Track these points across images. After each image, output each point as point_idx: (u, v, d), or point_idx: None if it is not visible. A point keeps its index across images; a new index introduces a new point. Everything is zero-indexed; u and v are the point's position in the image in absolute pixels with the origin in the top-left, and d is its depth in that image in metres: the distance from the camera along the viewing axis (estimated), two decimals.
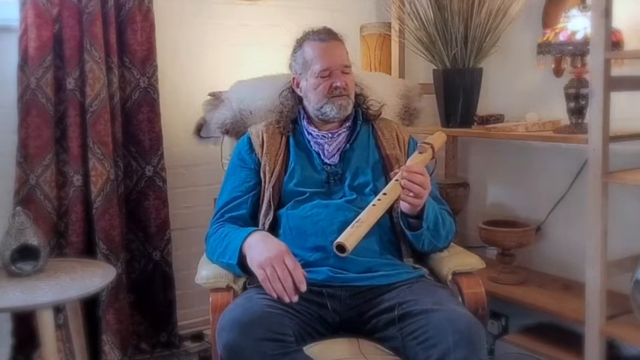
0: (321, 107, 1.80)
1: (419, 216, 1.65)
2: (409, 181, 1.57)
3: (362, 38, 2.83)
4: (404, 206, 1.65)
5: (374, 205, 1.58)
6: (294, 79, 1.89)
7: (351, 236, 1.50)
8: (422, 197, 1.60)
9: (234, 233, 1.69)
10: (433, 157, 1.73)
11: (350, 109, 1.83)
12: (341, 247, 1.49)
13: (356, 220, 1.54)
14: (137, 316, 2.49)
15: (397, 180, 1.60)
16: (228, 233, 1.71)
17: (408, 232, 1.69)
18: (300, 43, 1.86)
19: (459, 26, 2.34)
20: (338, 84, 1.78)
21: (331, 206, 1.71)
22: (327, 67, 1.79)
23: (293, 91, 1.90)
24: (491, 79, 2.53)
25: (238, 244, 1.63)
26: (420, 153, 1.71)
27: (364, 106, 1.92)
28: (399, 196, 1.61)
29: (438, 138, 1.79)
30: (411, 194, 1.59)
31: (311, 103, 1.83)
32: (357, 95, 1.90)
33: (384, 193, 1.60)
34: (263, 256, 1.56)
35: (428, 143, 1.73)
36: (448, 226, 1.76)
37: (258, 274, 1.55)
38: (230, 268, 1.67)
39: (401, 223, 1.70)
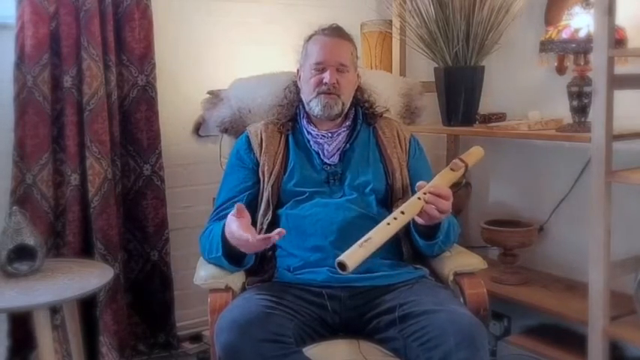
0: (310, 101, 1.79)
1: (434, 226, 1.62)
2: (433, 204, 1.51)
3: (362, 36, 2.81)
4: (418, 220, 1.59)
5: (389, 223, 1.47)
6: (298, 70, 1.89)
7: (355, 255, 1.38)
8: (439, 219, 1.57)
9: (217, 227, 1.66)
10: (463, 176, 1.67)
11: (337, 109, 1.77)
12: (342, 265, 1.38)
13: (366, 236, 1.43)
14: (135, 316, 2.47)
15: (419, 198, 1.52)
16: (213, 229, 1.70)
17: (421, 241, 1.67)
18: (310, 36, 1.86)
19: (461, 23, 2.33)
20: (326, 80, 1.75)
21: (331, 205, 1.69)
22: (321, 61, 1.77)
23: (297, 87, 1.89)
24: (494, 77, 2.51)
25: (219, 234, 1.61)
26: (452, 170, 1.63)
27: (366, 105, 1.89)
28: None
29: (475, 155, 1.71)
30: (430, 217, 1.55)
31: (304, 96, 1.83)
32: (363, 101, 1.89)
33: (402, 212, 1.49)
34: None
35: (462, 161, 1.65)
36: (456, 230, 1.75)
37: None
38: (220, 263, 1.65)
39: (414, 232, 1.67)
